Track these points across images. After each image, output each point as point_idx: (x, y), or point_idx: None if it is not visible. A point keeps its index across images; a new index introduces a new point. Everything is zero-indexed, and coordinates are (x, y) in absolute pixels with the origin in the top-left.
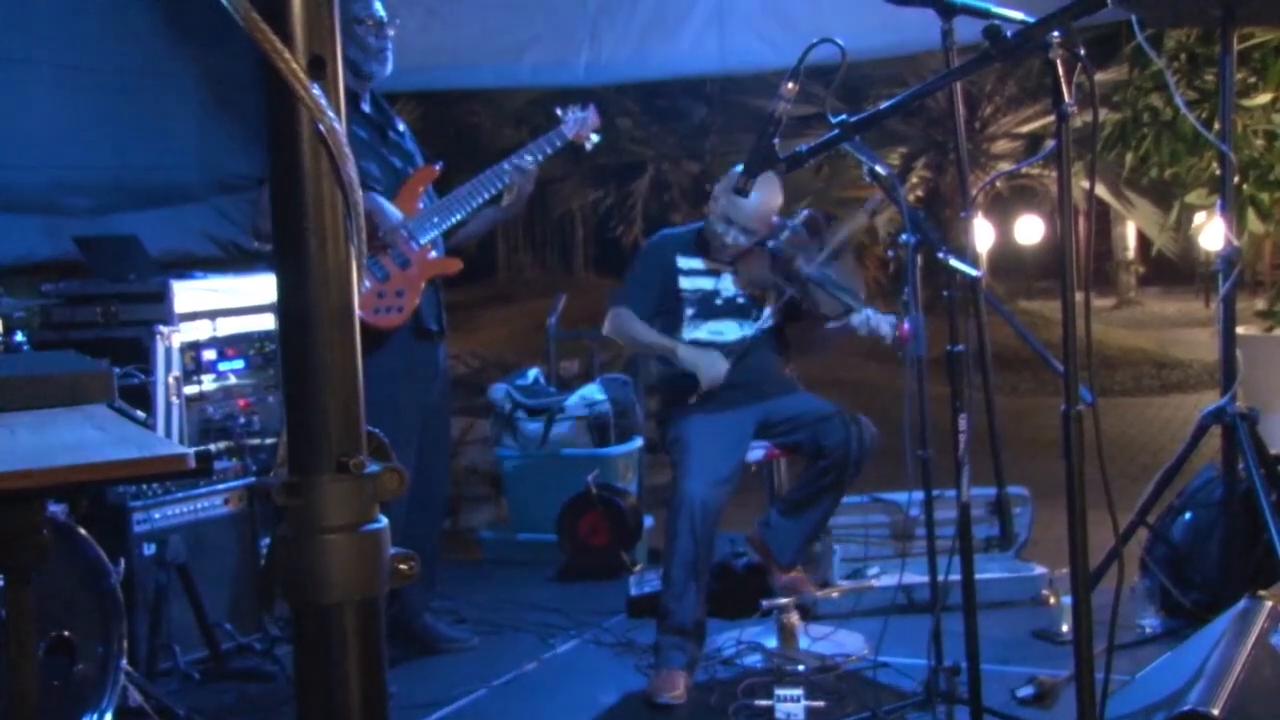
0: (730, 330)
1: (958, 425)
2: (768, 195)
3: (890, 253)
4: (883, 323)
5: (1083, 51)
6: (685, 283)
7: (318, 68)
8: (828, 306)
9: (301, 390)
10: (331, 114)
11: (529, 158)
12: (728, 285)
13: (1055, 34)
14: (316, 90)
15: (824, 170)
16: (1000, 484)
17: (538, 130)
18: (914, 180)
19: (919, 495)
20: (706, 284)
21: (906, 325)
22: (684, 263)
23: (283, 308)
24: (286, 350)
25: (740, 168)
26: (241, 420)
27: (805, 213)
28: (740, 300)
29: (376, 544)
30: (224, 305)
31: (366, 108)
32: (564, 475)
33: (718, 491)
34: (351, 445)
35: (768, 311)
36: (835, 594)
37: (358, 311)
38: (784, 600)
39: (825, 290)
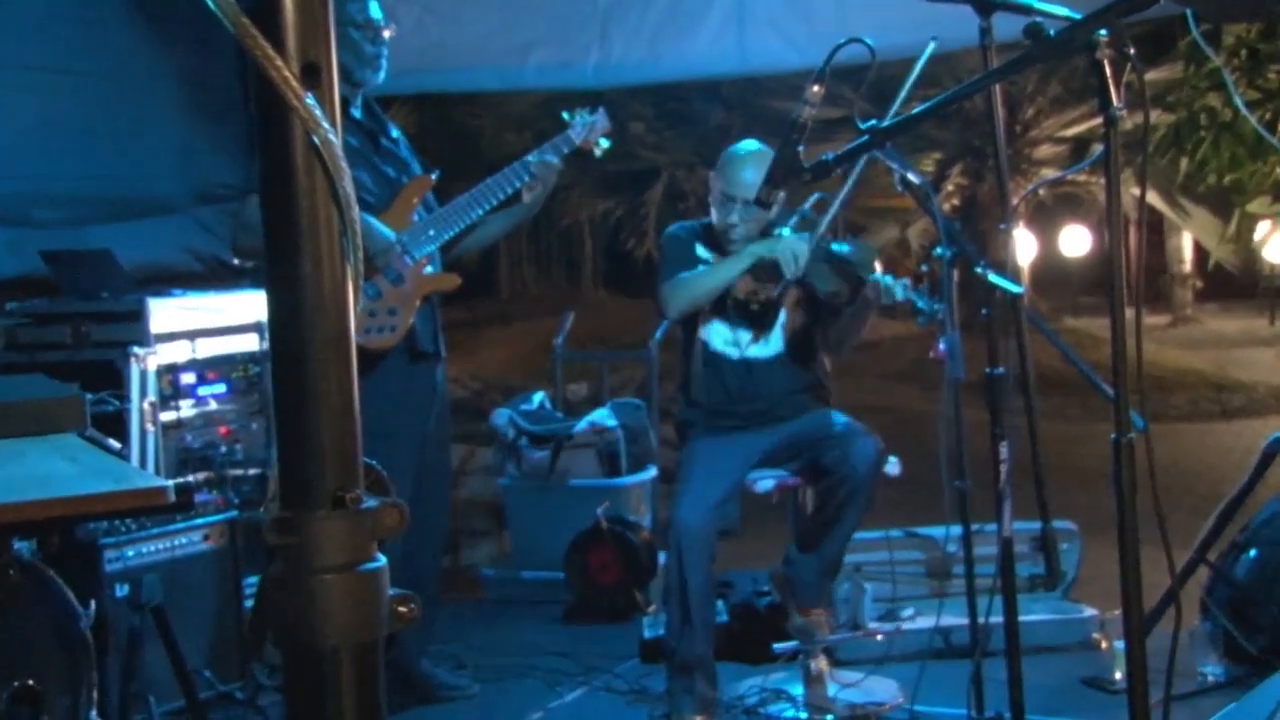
0: (744, 339)
1: (998, 454)
2: (765, 167)
3: (924, 267)
4: (895, 286)
5: (1132, 50)
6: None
7: (312, 76)
8: (836, 281)
9: (294, 420)
10: (327, 126)
11: (550, 156)
12: (740, 283)
13: (1102, 32)
14: (311, 100)
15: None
16: (1045, 518)
17: (542, 136)
18: (949, 189)
19: (957, 530)
20: None
21: (942, 346)
22: (703, 253)
23: (275, 332)
24: (279, 377)
25: (739, 145)
26: (223, 449)
27: (814, 197)
28: (753, 306)
29: (375, 584)
30: (205, 325)
31: (357, 113)
32: (572, 508)
33: (708, 516)
34: (348, 479)
35: (779, 325)
36: (866, 637)
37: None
38: (796, 645)
39: (832, 262)
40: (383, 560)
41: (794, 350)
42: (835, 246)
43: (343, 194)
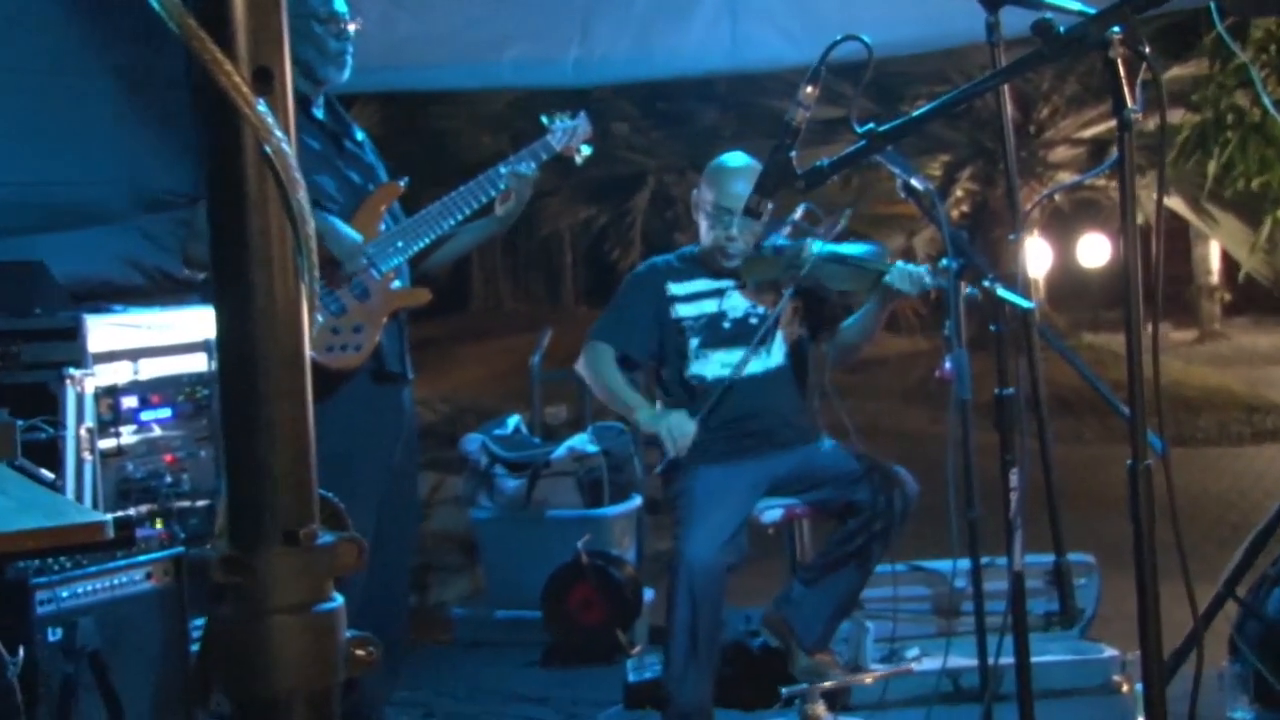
0: (740, 358)
1: (1009, 481)
2: (754, 175)
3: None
4: (923, 274)
5: (1147, 48)
6: (684, 310)
7: (263, 81)
8: (854, 280)
9: (244, 448)
10: (279, 134)
11: (523, 166)
12: (736, 303)
13: (1115, 28)
14: (262, 107)
15: (853, 182)
16: (1060, 550)
17: (519, 138)
18: (958, 194)
19: (965, 563)
20: (710, 306)
21: (948, 365)
22: (679, 289)
23: (223, 354)
24: (227, 402)
25: (728, 157)
26: (168, 479)
27: (802, 207)
28: (753, 320)
29: (330, 626)
30: (148, 343)
31: (319, 113)
32: (550, 541)
33: (721, 554)
34: (302, 512)
35: (779, 336)
36: (868, 679)
37: (309, 354)
38: (807, 687)
39: (844, 263)
40: (339, 600)
41: (794, 360)
42: (843, 248)
43: (297, 207)
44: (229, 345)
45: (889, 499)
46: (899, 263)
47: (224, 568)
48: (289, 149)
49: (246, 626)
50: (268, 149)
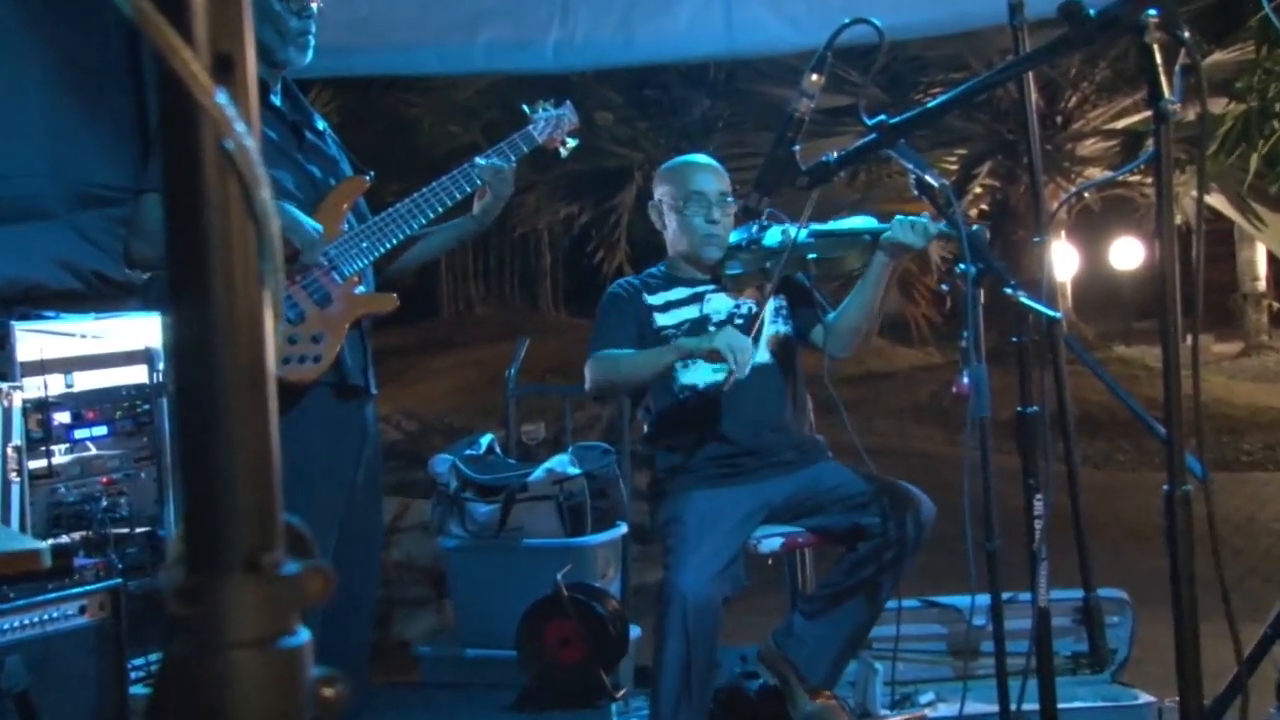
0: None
1: (1033, 508)
2: (718, 171)
3: (944, 286)
4: (926, 222)
5: (1187, 33)
6: (665, 319)
7: (225, 69)
8: (847, 246)
9: (201, 469)
10: (242, 128)
11: (502, 159)
12: (718, 304)
13: (1151, 11)
14: (223, 98)
15: (860, 177)
16: (1089, 584)
17: (491, 128)
18: (977, 191)
19: (984, 599)
20: (690, 312)
21: (965, 380)
22: (655, 299)
23: (179, 367)
24: (183, 419)
25: (679, 158)
26: (104, 503)
27: (766, 211)
28: (739, 320)
29: (296, 663)
30: (83, 353)
31: (277, 100)
32: (526, 572)
33: (715, 586)
34: (265, 538)
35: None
36: None
37: (273, 365)
38: None
39: (833, 234)
40: (306, 635)
41: (780, 360)
42: (829, 224)
43: (260, 206)
44: (185, 356)
45: (901, 523)
46: (899, 217)
47: (179, 599)
48: (252, 144)
49: (204, 663)
50: (229, 145)
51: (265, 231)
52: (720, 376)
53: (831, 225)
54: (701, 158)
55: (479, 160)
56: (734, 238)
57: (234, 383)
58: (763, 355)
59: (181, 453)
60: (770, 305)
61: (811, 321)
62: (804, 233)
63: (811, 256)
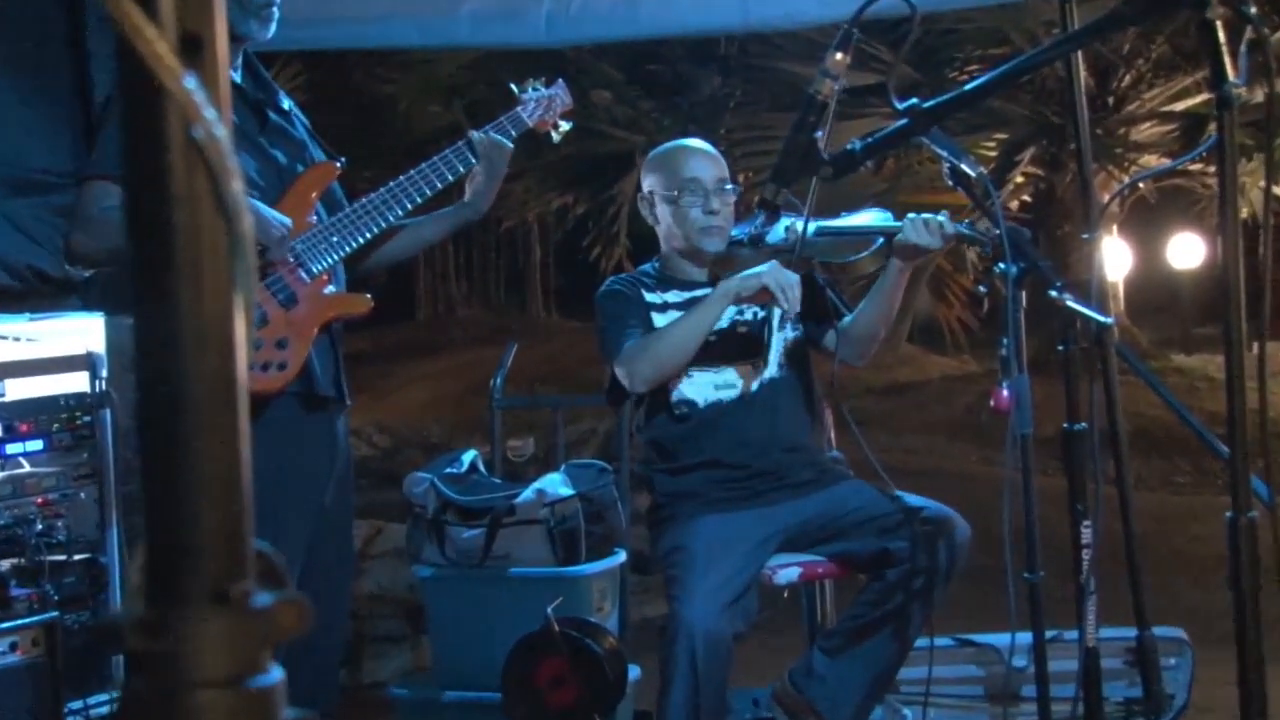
0: (744, 377)
1: (1080, 536)
2: (714, 156)
3: (982, 288)
4: (942, 221)
5: (1253, 8)
6: (660, 320)
7: (193, 50)
8: (859, 247)
9: (165, 490)
10: (212, 115)
11: (499, 135)
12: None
13: None
14: (192, 82)
15: (889, 164)
16: (1144, 622)
17: (476, 108)
18: (1018, 180)
19: (1026, 637)
20: None
21: (1005, 392)
22: (653, 298)
23: (143, 378)
24: (147, 436)
25: (675, 144)
26: (39, 527)
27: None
28: (741, 329)
29: (268, 704)
30: (16, 357)
31: (237, 76)
32: (513, 605)
33: (726, 620)
34: (234, 567)
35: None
36: None
37: (244, 377)
38: None
39: (844, 233)
40: (277, 673)
41: (794, 371)
42: (838, 220)
43: (231, 201)
44: (149, 367)
45: (933, 548)
46: (912, 215)
47: (139, 633)
48: (222, 133)
49: (167, 704)
50: (198, 134)
51: (236, 229)
52: (726, 394)
53: (841, 222)
54: (694, 141)
55: (475, 134)
56: (734, 233)
57: (201, 395)
58: (773, 369)
59: (143, 472)
60: (776, 311)
61: (825, 325)
62: (811, 228)
63: (819, 259)
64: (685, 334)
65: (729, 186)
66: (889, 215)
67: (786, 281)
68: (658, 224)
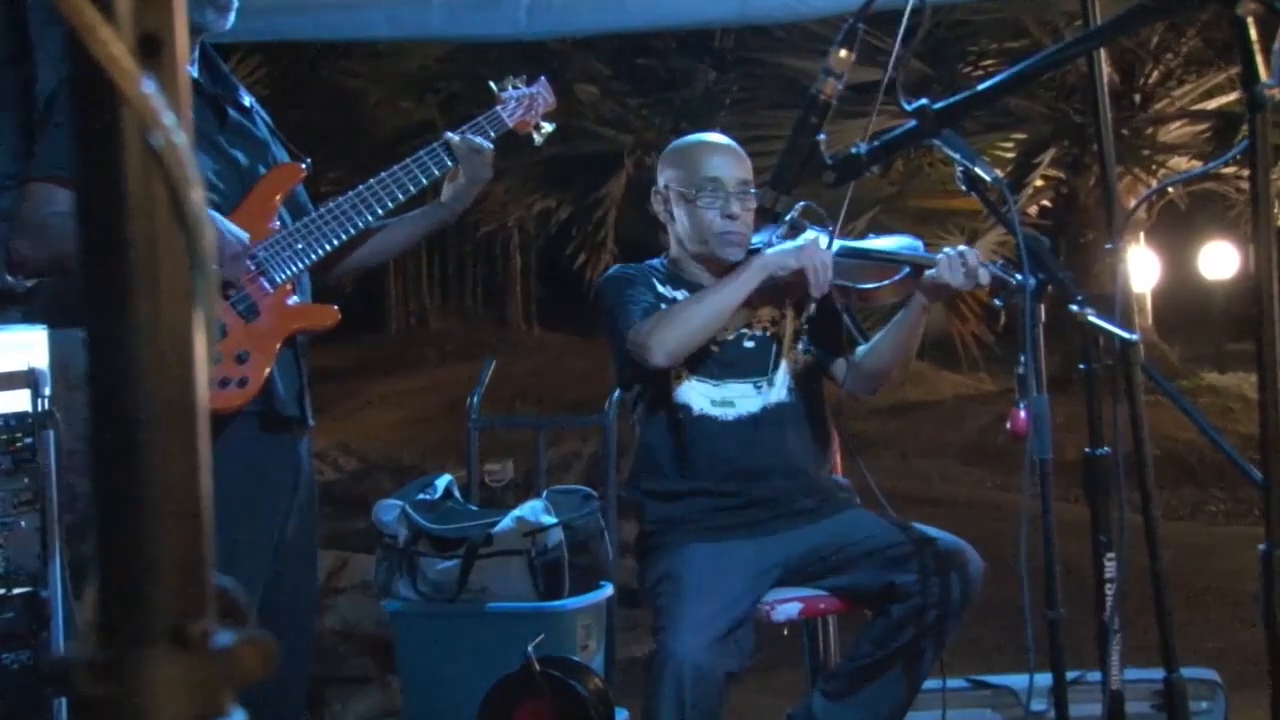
0: (745, 397)
1: (1103, 569)
2: (738, 155)
3: (997, 301)
4: (975, 259)
5: None
6: None
7: (151, 51)
8: (882, 276)
9: (120, 521)
10: (171, 121)
11: (477, 137)
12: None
13: None
14: (150, 86)
15: (897, 169)
16: (1172, 663)
17: (452, 104)
18: (1038, 184)
19: (1045, 679)
20: None
21: (1022, 414)
22: (665, 290)
23: (95, 398)
24: (99, 463)
25: (697, 138)
26: None
27: (801, 205)
28: (748, 344)
29: None
30: None
31: (194, 72)
32: (491, 643)
33: (718, 656)
34: (194, 604)
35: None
36: None
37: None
38: None
39: (869, 257)
40: (241, 718)
41: (804, 397)
42: (863, 242)
43: (191, 212)
44: (102, 387)
45: (944, 581)
46: (949, 250)
47: (91, 675)
48: (182, 140)
49: None
50: (156, 140)
51: (197, 242)
52: (720, 412)
53: (869, 244)
54: (717, 137)
55: (452, 137)
56: (755, 241)
57: (158, 417)
58: (780, 393)
59: (94, 500)
60: (789, 329)
61: (836, 351)
62: (835, 246)
63: (837, 282)
64: (713, 306)
65: (752, 190)
66: (920, 245)
67: (822, 263)
68: (671, 222)
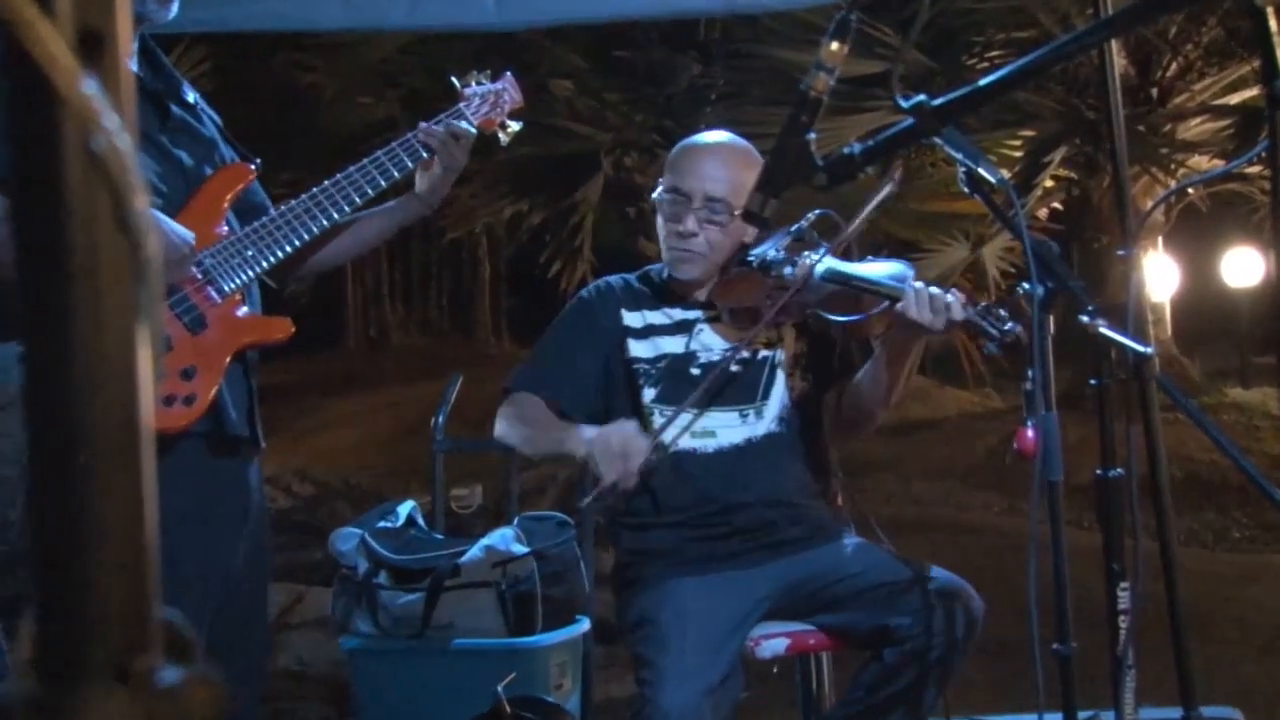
0: (729, 427)
1: (1116, 600)
2: (723, 167)
3: (1002, 311)
4: (948, 299)
5: None
6: (641, 349)
7: (93, 49)
8: (853, 308)
9: (58, 549)
10: (113, 124)
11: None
12: (710, 340)
13: None
14: (92, 85)
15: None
16: (1190, 700)
17: (413, 100)
18: (1047, 185)
19: (1055, 718)
20: (672, 345)
21: (1030, 433)
22: (635, 318)
23: (32, 419)
24: (37, 487)
25: (698, 134)
26: None
27: (815, 213)
28: (736, 367)
29: None
30: None
31: (134, 66)
32: (457, 682)
33: (710, 706)
34: (138, 638)
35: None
36: None
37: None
38: None
39: (846, 283)
40: None
41: (798, 424)
42: (850, 266)
43: (135, 220)
44: (39, 407)
45: (944, 621)
46: (918, 284)
47: (28, 714)
48: (126, 144)
49: None
50: (97, 143)
51: (141, 251)
52: (700, 444)
53: (855, 269)
54: (716, 138)
55: (425, 125)
56: (754, 252)
57: (100, 439)
58: (770, 421)
59: (34, 532)
60: (783, 354)
61: (829, 382)
62: (823, 268)
63: (816, 310)
64: (542, 443)
65: (719, 206)
66: (910, 274)
67: (630, 448)
68: (660, 225)
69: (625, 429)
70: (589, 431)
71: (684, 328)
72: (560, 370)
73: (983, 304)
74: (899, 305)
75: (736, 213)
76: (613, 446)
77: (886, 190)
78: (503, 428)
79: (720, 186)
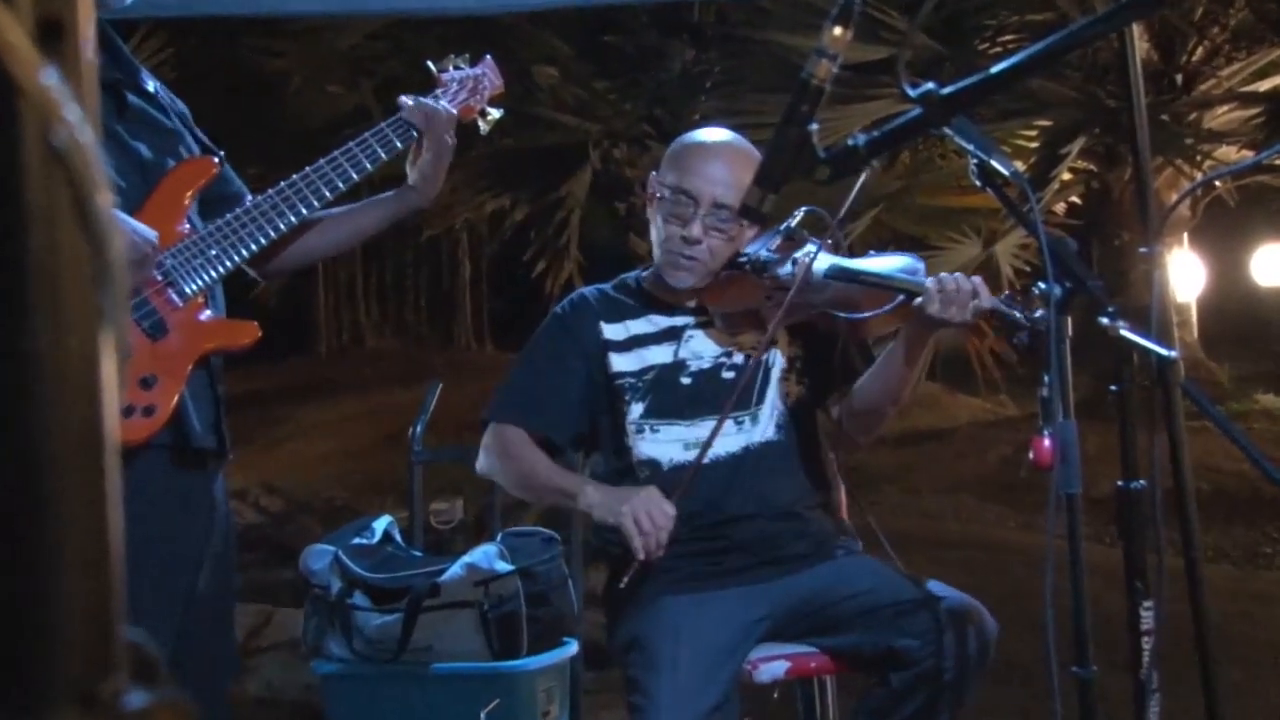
0: (724, 435)
1: (1138, 619)
2: (735, 172)
3: (1018, 311)
4: (971, 289)
5: None
6: (625, 362)
7: (53, 38)
8: (868, 302)
9: (18, 567)
10: (75, 117)
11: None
12: (701, 347)
13: None
14: (52, 76)
15: (902, 161)
16: None
17: (388, 89)
18: (1065, 178)
19: None
20: (659, 354)
21: (1047, 442)
22: (615, 330)
23: None
24: None
25: (699, 130)
26: None
27: (802, 210)
28: (727, 373)
29: None
30: None
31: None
32: (437, 709)
33: None
34: (103, 660)
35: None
36: None
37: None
38: None
39: (858, 280)
40: None
41: (795, 433)
42: (856, 262)
43: (97, 220)
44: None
45: (959, 642)
46: (942, 275)
47: None
48: (89, 139)
49: None
50: (58, 137)
51: (104, 252)
52: (692, 455)
53: (862, 264)
54: (723, 137)
55: (406, 99)
56: (747, 251)
57: (61, 452)
58: (767, 429)
59: None
60: (778, 358)
61: (831, 385)
62: (824, 265)
63: (821, 309)
64: (534, 483)
65: (724, 213)
66: (921, 267)
67: (650, 523)
68: (651, 228)
69: (652, 498)
70: (596, 495)
71: (672, 335)
72: (542, 397)
73: (1006, 294)
74: (919, 300)
75: (743, 223)
76: (642, 522)
77: (865, 175)
78: (489, 463)
79: (730, 193)
